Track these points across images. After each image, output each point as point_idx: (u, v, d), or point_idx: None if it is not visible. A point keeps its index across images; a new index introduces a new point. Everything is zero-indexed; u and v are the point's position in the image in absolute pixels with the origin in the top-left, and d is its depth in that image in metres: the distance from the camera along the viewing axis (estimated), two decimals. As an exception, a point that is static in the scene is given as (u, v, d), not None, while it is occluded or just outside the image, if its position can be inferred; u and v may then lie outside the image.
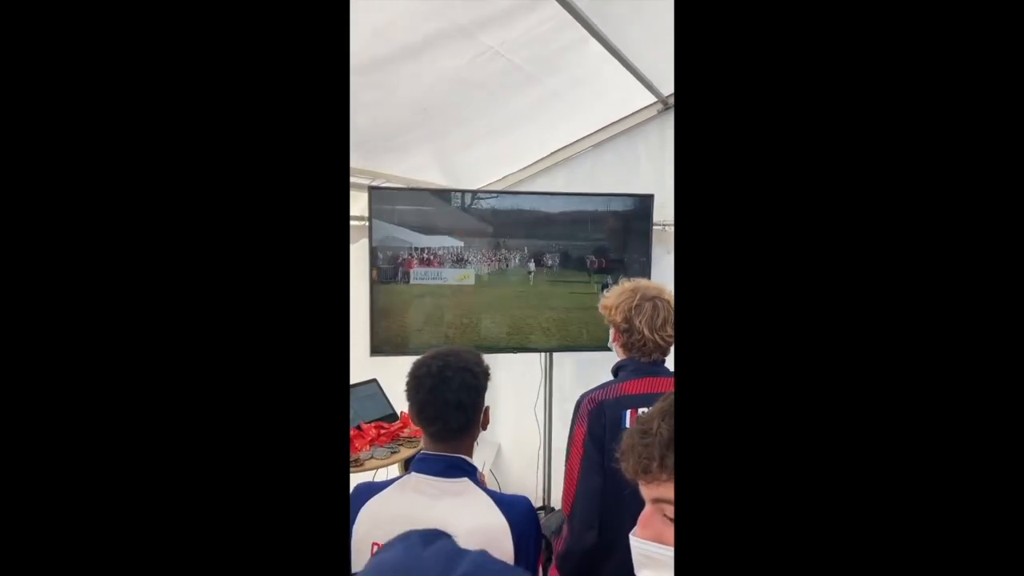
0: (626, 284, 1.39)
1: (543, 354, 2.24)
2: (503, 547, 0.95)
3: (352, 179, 2.01)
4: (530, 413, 2.27)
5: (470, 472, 1.01)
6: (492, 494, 0.99)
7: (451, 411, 0.99)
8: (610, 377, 1.36)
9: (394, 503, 0.98)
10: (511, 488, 2.50)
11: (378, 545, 0.90)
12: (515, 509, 0.98)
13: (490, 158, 2.58)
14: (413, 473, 1.00)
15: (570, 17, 1.52)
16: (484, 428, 1.09)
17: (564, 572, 1.30)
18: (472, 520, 0.94)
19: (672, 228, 2.17)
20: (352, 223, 1.86)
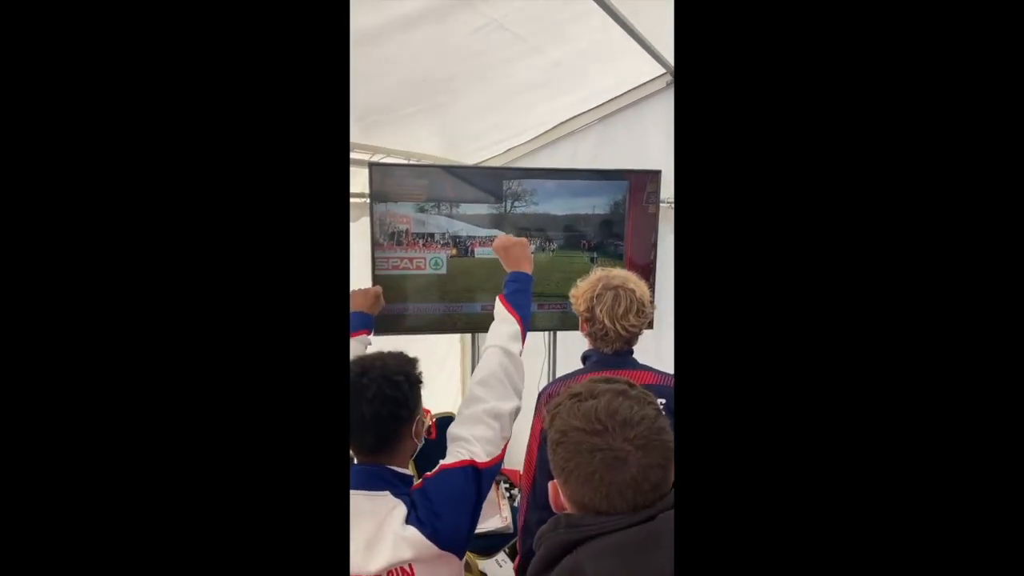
0: (596, 272, 1.39)
1: (546, 333, 2.49)
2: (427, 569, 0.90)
3: (352, 154, 2.05)
4: (534, 391, 2.03)
5: (393, 483, 0.95)
6: (411, 512, 0.92)
7: (366, 424, 0.94)
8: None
9: None
10: (516, 463, 2.22)
11: None
12: (436, 525, 0.92)
13: (494, 131, 2.57)
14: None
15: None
16: (418, 439, 1.01)
17: (525, 546, 1.26)
18: (386, 558, 0.90)
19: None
20: (352, 200, 2.12)
